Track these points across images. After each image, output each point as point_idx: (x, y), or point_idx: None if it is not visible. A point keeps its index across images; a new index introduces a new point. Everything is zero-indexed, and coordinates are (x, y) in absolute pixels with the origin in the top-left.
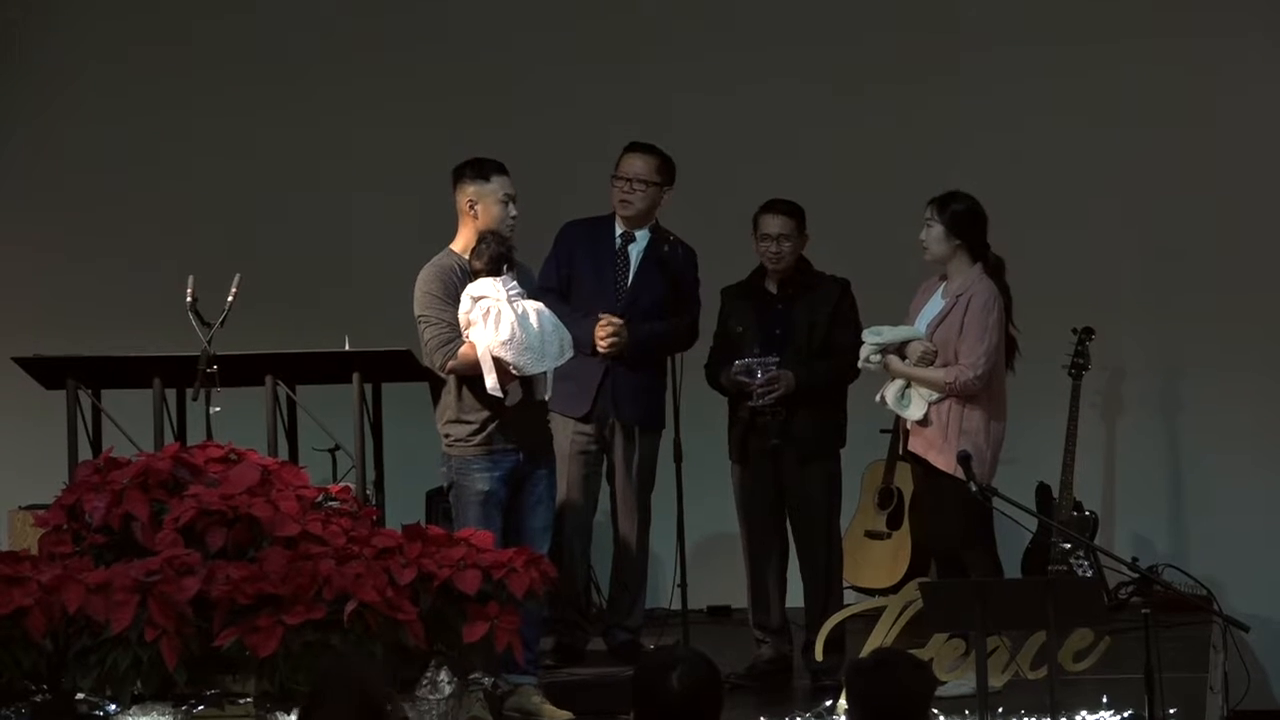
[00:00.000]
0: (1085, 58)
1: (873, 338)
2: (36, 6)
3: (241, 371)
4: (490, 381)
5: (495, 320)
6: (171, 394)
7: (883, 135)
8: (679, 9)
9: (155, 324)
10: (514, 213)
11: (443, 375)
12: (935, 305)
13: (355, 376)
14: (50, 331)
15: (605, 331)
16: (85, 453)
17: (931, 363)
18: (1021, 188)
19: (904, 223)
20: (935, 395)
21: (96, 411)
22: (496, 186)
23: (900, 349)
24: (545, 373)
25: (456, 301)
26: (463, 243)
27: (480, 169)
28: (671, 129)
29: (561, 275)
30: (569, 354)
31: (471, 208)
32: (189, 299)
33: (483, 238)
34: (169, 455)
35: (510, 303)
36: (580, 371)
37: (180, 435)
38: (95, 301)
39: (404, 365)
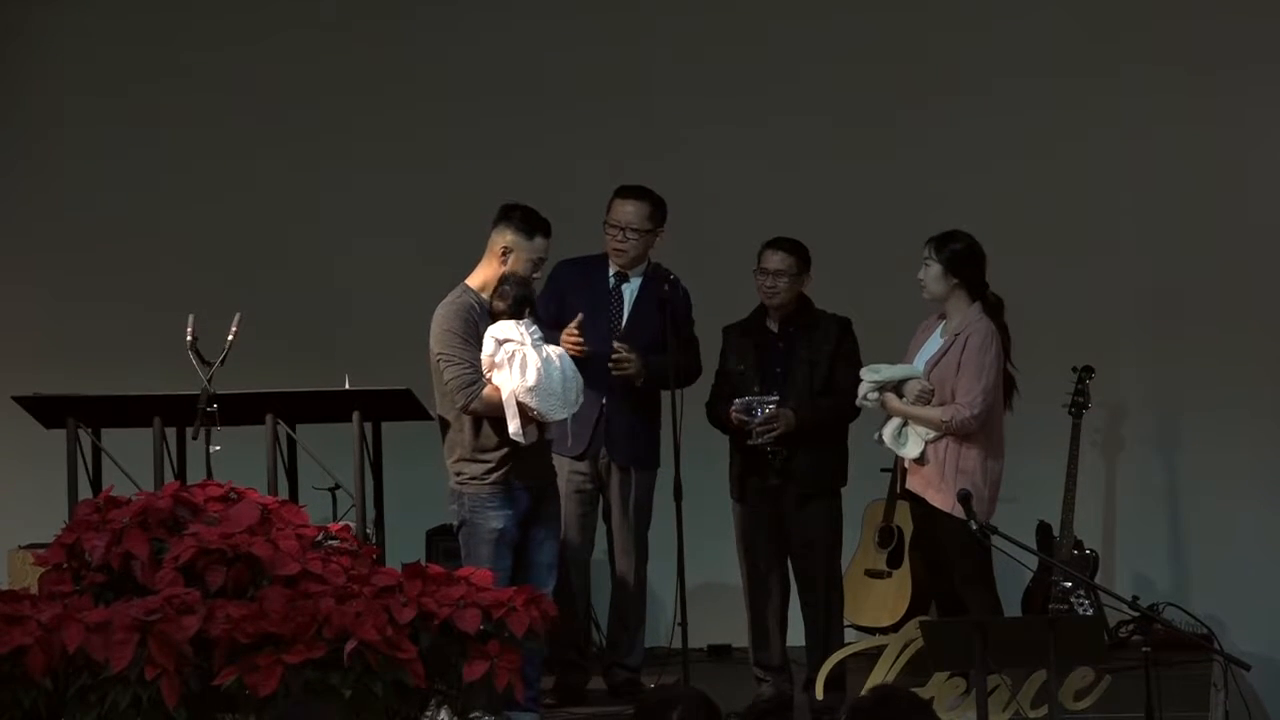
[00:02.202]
0: (1085, 94)
1: (871, 375)
2: (35, 42)
3: (241, 410)
4: (513, 427)
5: (521, 365)
6: (171, 433)
7: (882, 172)
8: (680, 46)
9: (155, 363)
10: (536, 274)
11: (449, 416)
12: (933, 344)
13: (355, 415)
14: (50, 371)
15: (576, 344)
16: (85, 491)
17: (929, 401)
18: (1021, 226)
19: (904, 261)
20: (932, 434)
21: (96, 450)
22: (535, 247)
23: (898, 387)
24: (567, 419)
25: (478, 341)
26: (480, 280)
27: (528, 224)
28: (672, 164)
29: (552, 313)
30: (581, 399)
31: (504, 254)
32: (189, 338)
33: (505, 280)
34: (169, 494)
35: (534, 347)
36: (576, 411)
37: (180, 474)
38: (95, 341)
39: (404, 404)
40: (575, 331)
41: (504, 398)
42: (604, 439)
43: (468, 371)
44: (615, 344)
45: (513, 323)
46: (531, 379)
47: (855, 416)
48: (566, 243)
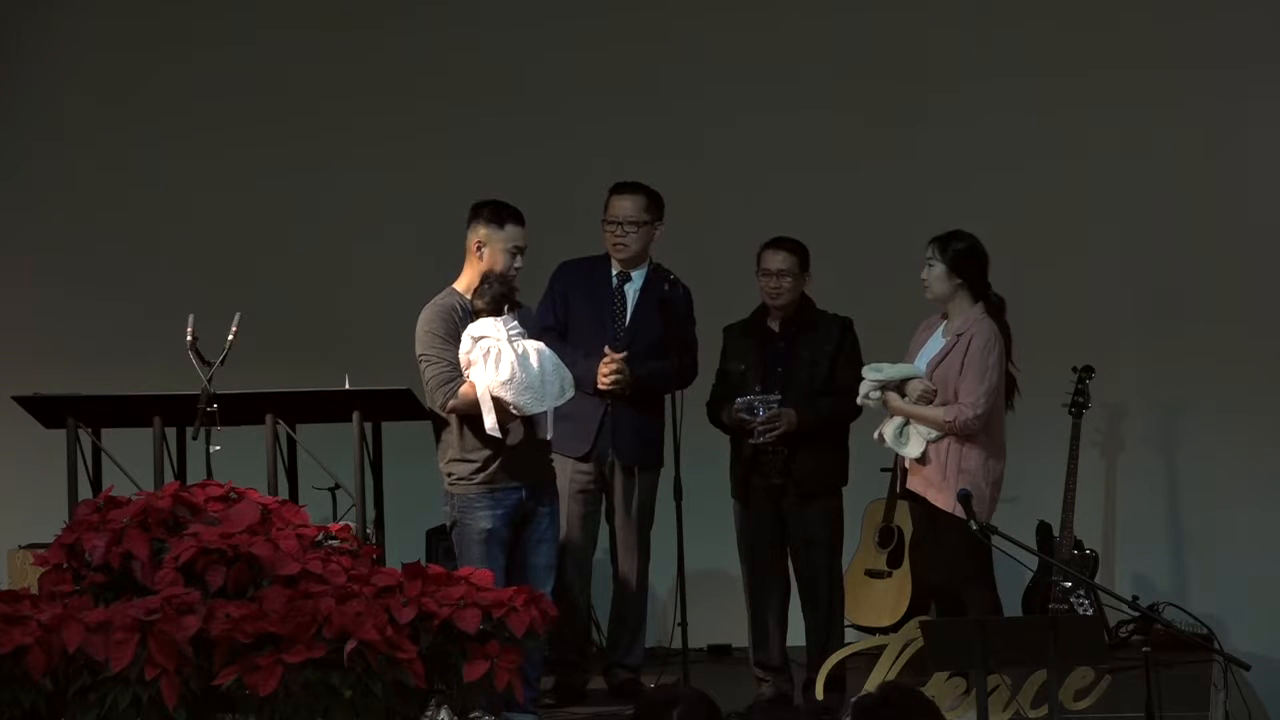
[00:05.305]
0: (1085, 94)
1: (873, 374)
2: (35, 44)
3: (242, 410)
4: (489, 421)
5: (495, 360)
6: (171, 433)
7: (882, 172)
8: (681, 43)
9: (155, 363)
10: (519, 265)
11: (444, 414)
12: (936, 344)
13: (355, 415)
14: (50, 370)
15: (608, 369)
16: (85, 491)
17: (930, 401)
18: (1022, 227)
19: (904, 261)
20: (934, 433)
21: (96, 450)
22: (508, 236)
23: (900, 386)
24: (546, 412)
25: (458, 340)
26: (465, 282)
27: (497, 214)
28: (672, 164)
29: (558, 315)
30: (569, 394)
31: (479, 249)
32: (189, 338)
33: (485, 278)
34: (169, 494)
35: (510, 342)
36: (579, 411)
37: (180, 474)
38: (95, 340)
39: (404, 404)
40: (610, 365)
41: (479, 394)
42: (609, 440)
43: (446, 369)
44: (607, 352)
45: (491, 320)
46: (505, 373)
47: (856, 416)
48: (568, 243)
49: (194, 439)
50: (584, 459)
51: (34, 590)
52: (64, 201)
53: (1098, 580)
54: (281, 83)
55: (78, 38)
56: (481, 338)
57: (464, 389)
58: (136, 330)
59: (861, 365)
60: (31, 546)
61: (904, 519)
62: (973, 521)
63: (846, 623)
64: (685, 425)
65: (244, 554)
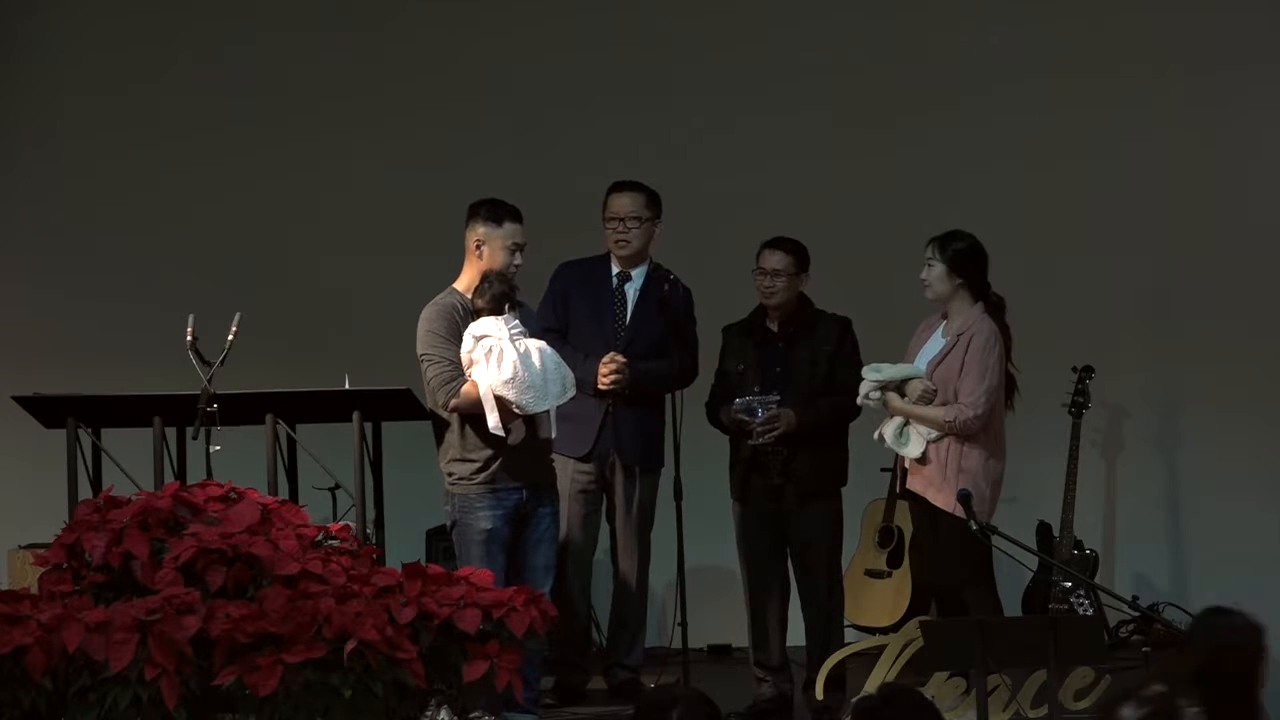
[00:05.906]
0: (1085, 94)
1: (873, 375)
2: (35, 43)
3: (242, 410)
4: (492, 421)
5: (497, 359)
6: (171, 433)
7: (882, 172)
8: (680, 46)
9: (155, 363)
10: (519, 262)
11: (445, 414)
12: (935, 344)
13: (355, 415)
14: (50, 371)
15: (608, 369)
16: (85, 491)
17: (931, 401)
18: (1021, 226)
19: (904, 261)
20: (934, 433)
21: (96, 450)
22: (507, 233)
23: (900, 386)
24: (548, 411)
25: (459, 340)
26: (466, 281)
27: (494, 212)
28: (672, 164)
29: (559, 316)
30: (571, 393)
31: (478, 248)
32: (189, 338)
33: (486, 277)
34: (169, 494)
35: (512, 341)
36: (581, 411)
37: (180, 474)
38: (95, 341)
39: (404, 404)
40: (610, 365)
41: (481, 393)
42: (612, 440)
43: (448, 369)
44: (609, 356)
45: (492, 319)
46: (507, 372)
47: (856, 416)
48: (568, 243)
49: (194, 439)
50: (585, 459)
51: (34, 590)
52: (63, 201)
53: (1098, 580)
54: (281, 83)
55: (77, 38)
56: (483, 337)
57: (466, 388)
58: (136, 330)
59: (861, 365)
60: (31, 546)
61: (904, 519)
62: (973, 521)
63: (846, 623)
64: (685, 425)
65: (244, 554)
